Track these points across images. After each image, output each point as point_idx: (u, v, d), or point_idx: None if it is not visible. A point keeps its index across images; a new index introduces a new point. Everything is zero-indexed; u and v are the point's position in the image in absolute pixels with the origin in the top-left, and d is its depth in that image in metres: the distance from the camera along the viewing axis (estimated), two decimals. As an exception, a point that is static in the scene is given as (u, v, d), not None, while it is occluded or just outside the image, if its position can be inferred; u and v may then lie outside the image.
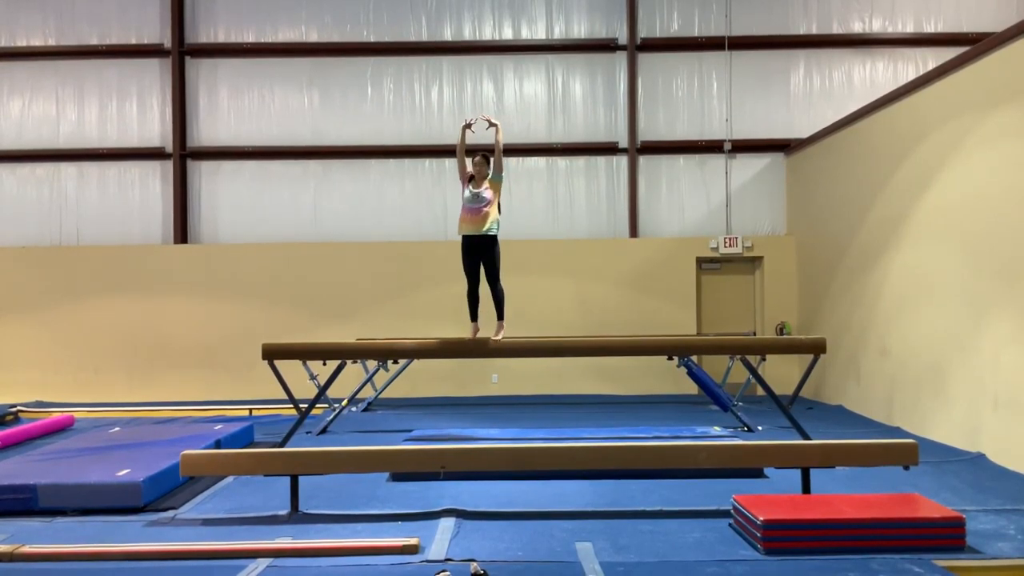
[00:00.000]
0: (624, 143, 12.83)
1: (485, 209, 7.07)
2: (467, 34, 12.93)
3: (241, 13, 12.94)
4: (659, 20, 12.89)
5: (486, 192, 7.10)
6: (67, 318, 12.52)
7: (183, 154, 12.87)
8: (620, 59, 12.89)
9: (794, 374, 11.05)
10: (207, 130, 13.00)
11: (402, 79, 12.93)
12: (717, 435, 8.00)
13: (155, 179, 12.96)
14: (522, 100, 12.94)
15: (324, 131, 12.92)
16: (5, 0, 12.95)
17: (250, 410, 11.05)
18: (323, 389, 8.36)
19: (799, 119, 12.68)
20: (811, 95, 12.78)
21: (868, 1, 12.76)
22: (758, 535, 4.92)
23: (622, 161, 12.87)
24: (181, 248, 12.73)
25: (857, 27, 12.77)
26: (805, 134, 12.31)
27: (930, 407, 8.62)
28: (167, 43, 12.90)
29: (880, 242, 9.78)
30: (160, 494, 6.30)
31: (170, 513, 5.96)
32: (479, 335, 7.33)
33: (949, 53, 9.89)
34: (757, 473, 6.79)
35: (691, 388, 11.09)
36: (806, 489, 5.84)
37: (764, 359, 9.04)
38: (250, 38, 12.96)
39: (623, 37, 12.84)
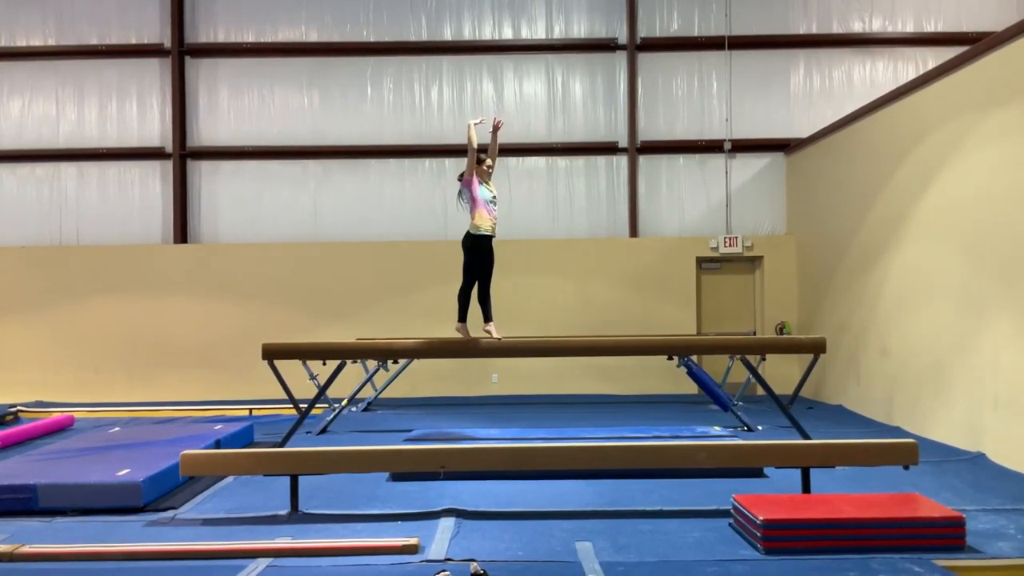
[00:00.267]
0: (624, 143, 12.83)
1: (496, 210, 7.19)
2: (467, 34, 12.94)
3: (241, 13, 12.94)
4: (659, 20, 12.89)
5: (496, 193, 7.23)
6: (67, 318, 12.52)
7: (183, 154, 12.87)
8: (620, 59, 12.89)
9: (794, 374, 11.04)
10: (207, 130, 13.00)
11: (402, 79, 12.93)
12: (717, 435, 8.00)
13: (155, 179, 12.97)
14: (522, 100, 12.94)
15: (324, 131, 12.92)
16: (5, 0, 12.95)
17: (250, 410, 11.04)
18: (323, 389, 8.36)
19: (799, 119, 12.68)
20: (811, 95, 12.78)
21: (868, 1, 12.76)
22: (758, 535, 4.91)
23: (622, 161, 12.87)
24: (181, 248, 12.73)
25: (857, 27, 12.77)
26: (805, 134, 12.31)
27: (930, 407, 8.62)
28: (167, 43, 12.90)
29: (880, 242, 9.78)
30: (160, 494, 6.30)
31: (170, 513, 5.96)
32: (470, 335, 7.34)
33: (949, 53, 9.88)
34: (757, 473, 6.79)
35: (691, 388, 11.08)
36: (806, 489, 5.84)
37: (764, 359, 9.03)
38: (250, 38, 12.96)
39: (623, 37, 12.84)
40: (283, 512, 5.88)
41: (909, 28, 12.72)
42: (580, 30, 12.95)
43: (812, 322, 11.93)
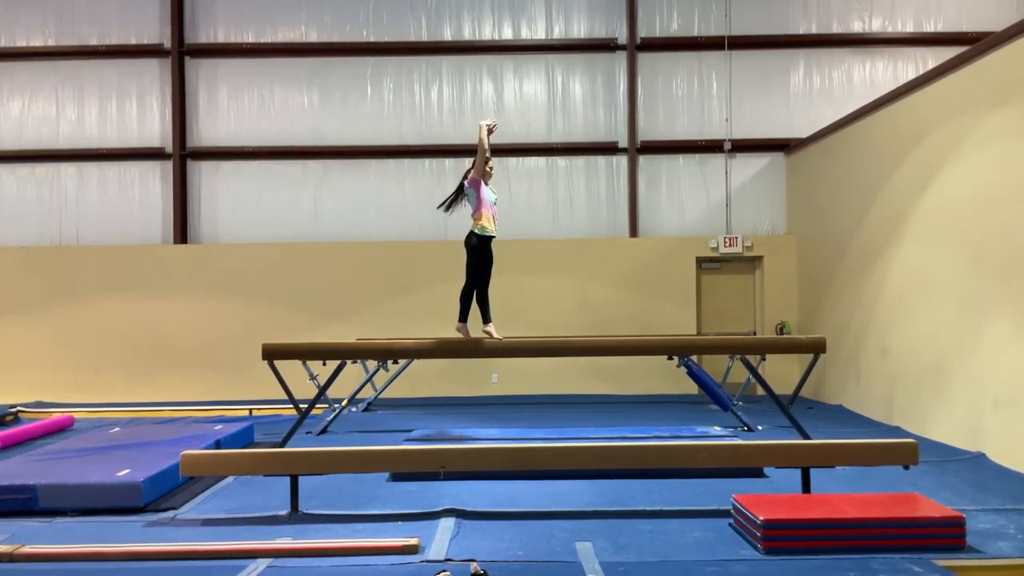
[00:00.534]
0: (624, 143, 12.83)
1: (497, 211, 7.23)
2: (467, 34, 12.94)
3: (241, 13, 12.94)
4: (659, 20, 12.89)
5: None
6: (67, 318, 12.52)
7: (183, 154, 12.87)
8: (620, 59, 12.89)
9: (794, 374, 11.05)
10: (207, 130, 13.00)
11: (402, 79, 12.93)
12: (717, 435, 7.99)
13: (155, 179, 12.97)
14: (522, 100, 12.94)
15: (324, 131, 12.92)
16: (5, 0, 12.95)
17: (250, 410, 11.05)
18: (323, 389, 8.36)
19: (799, 119, 12.68)
20: (811, 95, 12.78)
21: (868, 1, 12.76)
22: (758, 535, 4.92)
23: (622, 161, 12.87)
24: (181, 248, 12.73)
25: (857, 27, 12.77)
26: (805, 134, 12.31)
27: (930, 407, 8.62)
28: (167, 43, 12.90)
29: (880, 242, 9.78)
30: (160, 494, 6.30)
31: (170, 513, 5.96)
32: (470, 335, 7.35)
33: (949, 53, 9.88)
34: (757, 473, 6.79)
35: (691, 388, 11.08)
36: (806, 489, 5.84)
37: (764, 359, 9.04)
38: (250, 38, 12.96)
39: (623, 37, 12.84)
40: (283, 512, 5.88)
41: (909, 28, 12.73)
42: (580, 30, 12.95)
43: (812, 322, 11.93)
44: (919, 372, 8.86)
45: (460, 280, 7.27)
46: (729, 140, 12.77)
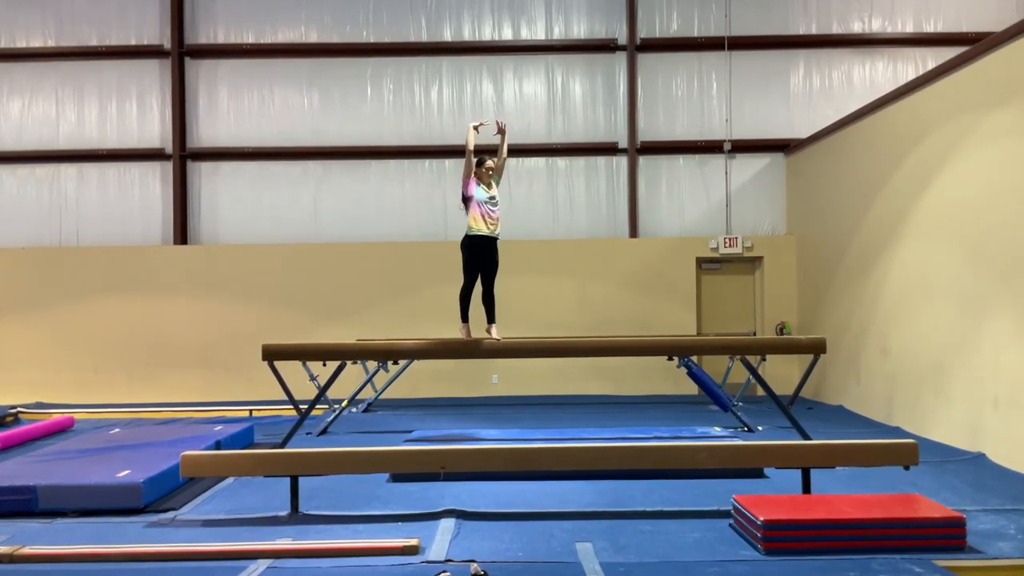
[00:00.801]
0: (624, 143, 12.83)
1: (497, 211, 7.20)
2: (467, 34, 12.94)
3: (241, 13, 12.94)
4: (659, 20, 12.89)
5: (497, 194, 7.23)
6: (67, 318, 12.52)
7: (183, 155, 12.87)
8: (620, 59, 12.89)
9: (794, 374, 11.05)
10: (207, 131, 13.00)
11: (402, 79, 12.93)
12: (717, 435, 8.00)
13: (155, 180, 12.97)
14: (522, 100, 12.94)
15: (324, 131, 12.92)
16: (5, 0, 12.95)
17: (250, 411, 11.05)
18: (323, 390, 8.36)
19: (799, 119, 12.68)
20: (811, 95, 12.78)
21: (868, 1, 12.76)
22: (758, 535, 4.92)
23: (622, 161, 12.87)
24: (181, 248, 12.73)
25: (857, 27, 12.77)
26: (805, 134, 12.31)
27: (930, 407, 8.62)
28: (167, 44, 12.90)
29: (880, 242, 9.78)
30: (160, 495, 6.30)
31: (170, 514, 5.96)
32: (472, 336, 7.36)
33: (949, 53, 9.88)
34: (757, 473, 6.79)
35: (691, 388, 11.08)
36: (806, 489, 5.84)
37: (764, 359, 9.04)
38: (250, 38, 12.96)
39: (623, 37, 12.84)
40: (283, 513, 5.89)
41: (909, 28, 12.73)
42: (580, 31, 12.95)
43: (812, 322, 11.93)
44: (919, 372, 8.86)
45: (460, 280, 7.31)
46: (729, 140, 12.77)
